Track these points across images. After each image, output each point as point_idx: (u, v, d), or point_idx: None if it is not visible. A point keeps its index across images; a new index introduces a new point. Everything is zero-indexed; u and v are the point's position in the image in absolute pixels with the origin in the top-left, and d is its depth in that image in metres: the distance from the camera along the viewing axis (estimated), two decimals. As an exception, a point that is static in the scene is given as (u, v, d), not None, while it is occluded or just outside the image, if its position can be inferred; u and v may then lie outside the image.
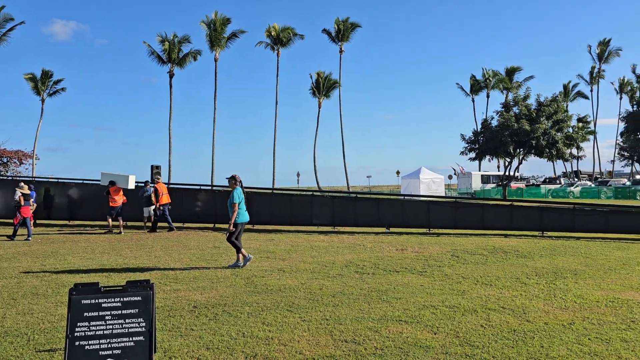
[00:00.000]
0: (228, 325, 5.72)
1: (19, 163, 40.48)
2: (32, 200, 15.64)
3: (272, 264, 9.94)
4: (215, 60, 50.56)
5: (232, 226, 9.29)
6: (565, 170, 68.71)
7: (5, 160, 39.51)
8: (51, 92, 45.56)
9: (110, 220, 16.28)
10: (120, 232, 16.01)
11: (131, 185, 16.93)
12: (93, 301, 4.45)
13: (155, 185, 16.63)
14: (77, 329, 4.33)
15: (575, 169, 67.62)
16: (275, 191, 20.71)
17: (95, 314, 4.41)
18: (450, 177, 53.58)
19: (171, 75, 49.22)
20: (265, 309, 6.40)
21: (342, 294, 7.34)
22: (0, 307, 6.49)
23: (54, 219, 19.43)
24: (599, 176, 55.71)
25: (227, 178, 9.68)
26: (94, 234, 15.89)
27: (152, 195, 16.76)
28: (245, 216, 9.55)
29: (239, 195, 9.42)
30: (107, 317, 4.42)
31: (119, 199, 16.45)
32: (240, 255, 9.54)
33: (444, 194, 39.35)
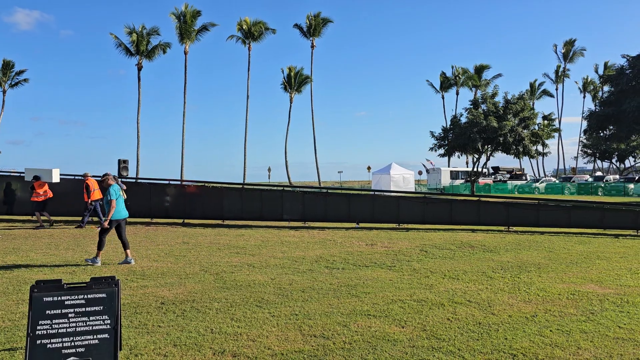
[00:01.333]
0: (196, 321, 5.66)
1: (-21, 156, 39.15)
2: None
3: (242, 260, 9.89)
4: (185, 53, 49.85)
5: (107, 223, 9.27)
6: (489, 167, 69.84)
7: (-36, 153, 38.14)
8: (13, 83, 44.13)
9: (39, 215, 16.06)
10: (42, 227, 15.79)
11: (55, 179, 16.79)
12: (56, 298, 4.34)
13: (86, 181, 16.22)
14: (38, 327, 4.22)
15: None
16: (245, 186, 20.59)
17: (58, 311, 4.31)
18: (420, 172, 54.22)
19: (139, 68, 48.29)
20: (234, 305, 6.36)
21: (312, 289, 7.35)
22: (-42, 306, 6.27)
23: (16, 214, 18.86)
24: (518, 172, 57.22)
25: (101, 177, 9.68)
26: (57, 228, 15.50)
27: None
28: (122, 212, 9.53)
29: (116, 192, 9.45)
30: (70, 315, 4.32)
31: (43, 193, 16.26)
32: (100, 252, 9.51)
33: (413, 190, 39.78)
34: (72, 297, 4.37)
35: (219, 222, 17.88)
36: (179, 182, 20.04)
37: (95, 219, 16.90)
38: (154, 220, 18.14)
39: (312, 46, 57.79)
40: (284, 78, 58.50)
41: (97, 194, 16.23)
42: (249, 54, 54.34)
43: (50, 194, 16.47)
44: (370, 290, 7.32)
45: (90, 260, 9.41)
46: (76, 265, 9.15)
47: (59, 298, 4.34)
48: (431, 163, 55.35)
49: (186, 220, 18.01)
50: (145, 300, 6.64)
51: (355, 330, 5.39)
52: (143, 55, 47.83)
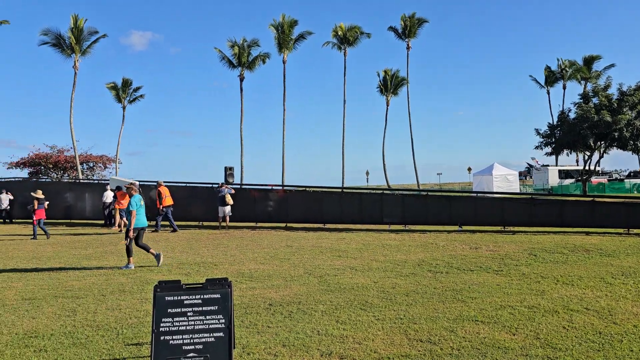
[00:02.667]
0: (303, 322, 5.82)
1: (103, 167, 43.21)
2: (46, 203, 17.15)
3: (344, 263, 10.00)
4: (284, 62, 51.46)
5: (131, 233, 9.74)
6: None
7: (91, 164, 42.26)
8: (131, 99, 48.26)
9: (121, 220, 17.83)
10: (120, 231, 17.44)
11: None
12: (176, 298, 4.67)
13: (159, 188, 17.70)
14: (161, 325, 4.56)
15: None
16: (345, 190, 20.78)
17: (178, 310, 4.63)
18: (526, 172, 51.39)
19: (241, 79, 50.60)
20: (339, 307, 6.45)
21: (416, 292, 7.26)
22: (92, 303, 6.95)
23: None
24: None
25: (125, 186, 10.02)
26: (171, 232, 16.65)
27: (227, 196, 17.50)
28: (143, 221, 10.06)
29: (136, 203, 9.90)
30: (189, 314, 4.63)
31: (125, 202, 17.35)
32: (132, 258, 9.96)
33: (518, 190, 37.82)
34: (190, 297, 4.67)
35: (320, 225, 18.21)
36: (280, 187, 20.69)
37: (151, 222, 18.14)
38: (259, 224, 18.88)
39: (408, 47, 57.08)
40: (380, 81, 58.32)
41: (168, 201, 17.64)
42: (345, 59, 54.91)
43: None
44: (476, 295, 7.07)
45: (124, 267, 9.84)
46: (190, 268, 9.77)
47: (179, 297, 4.66)
48: (537, 162, 52.29)
49: (288, 224, 18.55)
50: (254, 301, 6.93)
51: (463, 336, 5.24)
52: (244, 66, 50.06)
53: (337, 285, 7.87)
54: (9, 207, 22.40)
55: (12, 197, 22.43)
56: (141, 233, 10.09)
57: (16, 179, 25.72)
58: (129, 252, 9.90)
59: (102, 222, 20.07)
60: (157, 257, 10.06)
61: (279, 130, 56.02)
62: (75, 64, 40.13)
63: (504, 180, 36.34)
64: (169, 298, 4.65)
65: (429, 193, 19.13)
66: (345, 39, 54.43)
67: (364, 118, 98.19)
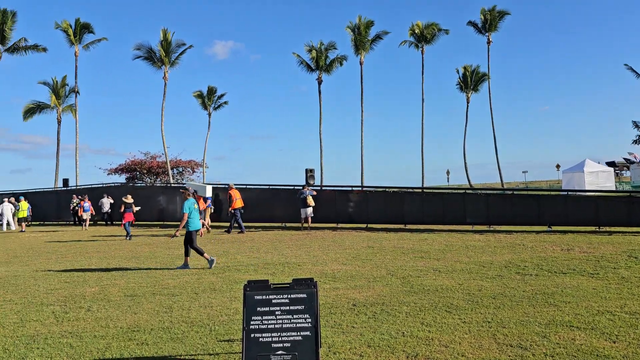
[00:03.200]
0: (387, 324, 5.82)
1: (192, 171, 45.49)
2: (136, 208, 18.57)
3: (427, 264, 9.86)
4: (361, 64, 51.46)
5: (178, 232, 10.25)
6: None
7: (181, 169, 44.63)
8: (216, 106, 50.38)
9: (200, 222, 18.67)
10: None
11: (208, 194, 19.74)
12: (264, 297, 4.85)
13: (229, 191, 18.45)
14: (251, 323, 4.75)
15: None
16: (425, 190, 20.46)
17: (267, 309, 4.80)
18: (624, 167, 47.80)
19: (319, 82, 51.23)
20: (424, 309, 6.39)
21: (503, 295, 7.02)
22: (186, 300, 7.36)
23: (224, 221, 21.42)
24: None
25: (180, 190, 10.10)
26: (255, 232, 17.19)
27: (308, 198, 17.88)
28: (197, 224, 10.34)
29: (189, 206, 10.23)
30: (277, 312, 4.78)
31: (201, 206, 18.41)
32: (188, 258, 10.33)
33: (613, 188, 35.30)
34: (278, 297, 4.83)
35: (401, 226, 18.05)
36: (359, 188, 20.74)
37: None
38: (339, 225, 19.04)
39: (488, 42, 55.08)
40: (459, 78, 56.71)
41: (238, 203, 18.30)
42: (422, 57, 53.97)
43: (204, 206, 18.80)
44: (570, 299, 6.72)
45: (211, 264, 10.22)
46: (275, 268, 10.06)
47: (267, 297, 4.84)
48: (635, 157, 48.44)
49: (369, 225, 18.55)
50: (338, 301, 7.03)
51: (557, 342, 5.00)
52: (322, 69, 50.63)
53: (421, 286, 7.78)
54: (109, 210, 24.18)
55: (112, 201, 24.19)
56: (194, 235, 10.39)
57: (115, 184, 27.70)
58: (198, 252, 10.30)
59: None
60: (211, 261, 10.30)
61: (357, 130, 56.03)
62: (165, 75, 42.52)
63: (597, 177, 34.03)
64: (258, 297, 4.83)
65: (515, 192, 18.38)
66: (423, 37, 53.49)
67: (443, 116, 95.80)
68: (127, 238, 16.95)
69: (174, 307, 6.94)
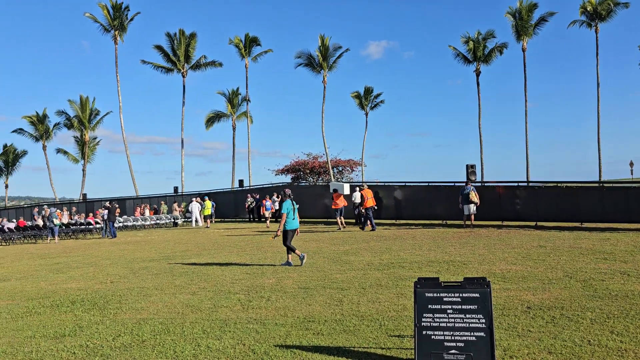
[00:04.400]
0: (569, 330, 5.40)
1: (350, 170, 46.89)
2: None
3: (612, 266, 8.90)
4: (523, 50, 48.02)
5: (279, 232, 10.85)
6: None
7: (340, 168, 46.26)
8: (372, 105, 51.17)
9: (338, 219, 19.72)
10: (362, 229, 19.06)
11: (346, 191, 21.13)
12: (435, 295, 4.82)
13: (361, 191, 19.28)
14: (423, 319, 4.76)
15: None
16: (605, 185, 18.47)
17: (438, 306, 4.77)
18: None
19: (477, 74, 49.03)
20: (612, 317, 5.79)
21: None
22: (354, 295, 7.64)
23: (383, 218, 21.71)
24: None
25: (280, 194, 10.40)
26: (417, 230, 17.09)
27: (472, 194, 17.31)
28: (293, 224, 10.92)
29: (287, 207, 10.84)
30: (448, 311, 4.73)
31: (340, 202, 19.90)
32: (291, 255, 10.87)
33: None
34: (449, 295, 4.77)
35: (576, 224, 16.54)
36: (525, 184, 19.46)
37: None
38: (505, 222, 18.08)
39: (682, 10, 47.58)
40: (645, 55, 49.88)
41: (369, 202, 18.87)
42: (597, 37, 48.53)
43: (345, 203, 20.11)
44: None
45: (302, 261, 10.72)
46: (439, 265, 9.91)
47: (438, 294, 4.81)
48: None
49: (538, 223, 17.31)
50: (510, 303, 6.70)
51: None
52: (480, 60, 48.38)
53: (606, 291, 7.05)
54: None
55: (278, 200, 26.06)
56: (290, 234, 10.93)
57: (282, 184, 29.74)
58: (290, 249, 10.84)
59: (354, 221, 21.74)
60: (302, 258, 10.75)
61: (520, 122, 52.43)
62: (324, 79, 44.43)
63: None
64: (428, 294, 4.83)
65: None
66: (597, 14, 48.09)
67: (622, 100, 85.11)
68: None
69: (344, 301, 7.25)
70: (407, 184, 21.45)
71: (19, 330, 6.58)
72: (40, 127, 51.93)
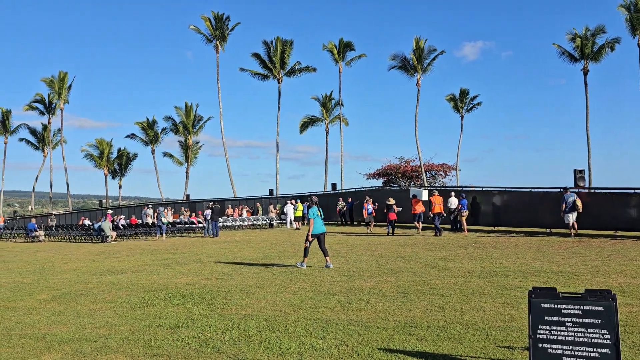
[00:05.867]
0: None
1: (444, 175, 45.69)
2: (398, 209, 20.75)
3: None
4: (639, 46, 44.25)
5: (310, 237, 11.24)
6: None
7: (433, 173, 45.22)
8: (468, 108, 49.60)
9: (417, 223, 19.94)
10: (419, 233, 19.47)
11: (425, 197, 20.69)
12: (552, 306, 4.54)
13: (431, 197, 19.76)
14: (538, 331, 4.50)
15: None
16: None
17: (555, 319, 4.49)
18: None
19: (585, 72, 45.84)
20: None
21: None
22: (456, 302, 7.40)
23: (481, 224, 20.92)
24: None
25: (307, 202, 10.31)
26: (518, 237, 16.25)
27: (576, 201, 16.20)
28: (319, 229, 11.35)
29: (313, 213, 11.39)
30: (567, 324, 4.43)
31: (419, 208, 20.08)
32: (305, 259, 11.44)
33: None
34: (568, 307, 4.46)
35: None
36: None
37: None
38: (618, 232, 16.71)
39: None
40: None
41: (437, 209, 19.15)
42: None
43: (423, 209, 20.12)
44: None
45: (298, 264, 11.44)
46: (545, 275, 9.35)
47: (556, 306, 4.52)
48: None
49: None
50: (633, 319, 6.16)
51: None
52: (588, 58, 45.21)
53: None
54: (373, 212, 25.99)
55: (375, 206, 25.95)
56: (321, 238, 11.38)
57: (374, 188, 29.66)
58: (305, 252, 11.40)
59: (449, 226, 21.17)
60: (328, 265, 11.23)
61: (636, 122, 48.21)
62: (417, 82, 43.78)
63: None
64: (544, 305, 4.56)
65: None
66: None
67: None
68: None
69: (446, 308, 7.05)
70: (507, 189, 20.51)
71: (138, 319, 7.10)
72: (150, 132, 55.97)
